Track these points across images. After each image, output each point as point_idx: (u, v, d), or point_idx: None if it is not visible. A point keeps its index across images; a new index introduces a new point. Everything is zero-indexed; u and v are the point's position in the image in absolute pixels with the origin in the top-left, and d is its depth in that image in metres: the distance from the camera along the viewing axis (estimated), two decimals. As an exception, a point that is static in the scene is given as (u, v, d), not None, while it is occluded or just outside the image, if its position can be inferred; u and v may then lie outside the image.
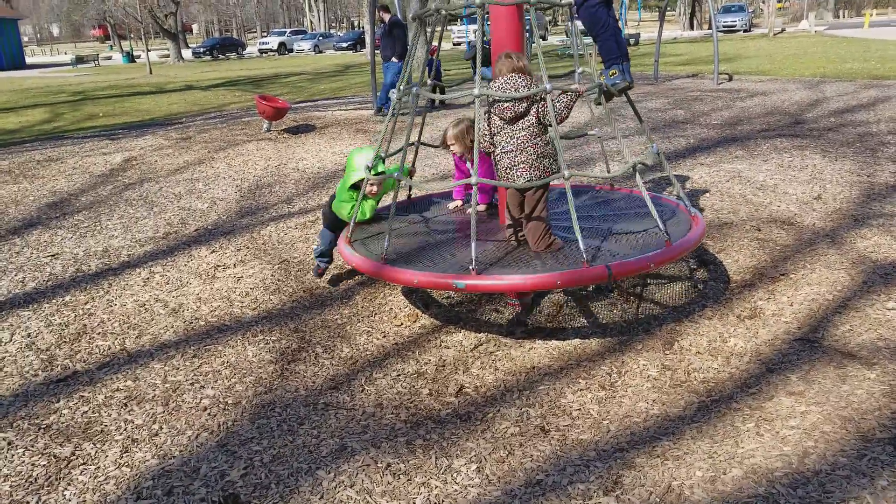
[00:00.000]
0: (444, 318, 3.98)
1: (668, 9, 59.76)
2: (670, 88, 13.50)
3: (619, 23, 21.33)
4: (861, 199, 5.40)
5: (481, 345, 3.66)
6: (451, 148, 4.15)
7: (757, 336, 3.53)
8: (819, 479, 2.40)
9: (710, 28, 37.71)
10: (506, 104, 3.43)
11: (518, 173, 3.45)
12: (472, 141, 3.56)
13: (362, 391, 3.18)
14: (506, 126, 3.48)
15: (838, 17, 48.25)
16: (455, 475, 2.50)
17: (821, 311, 3.66)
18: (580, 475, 2.50)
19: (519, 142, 3.45)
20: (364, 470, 2.52)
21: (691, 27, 47.37)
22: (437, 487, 2.43)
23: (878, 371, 3.03)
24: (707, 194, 5.82)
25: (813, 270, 4.14)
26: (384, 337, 3.71)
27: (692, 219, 3.91)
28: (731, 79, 14.88)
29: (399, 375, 3.29)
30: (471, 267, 3.24)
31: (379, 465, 2.55)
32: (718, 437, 2.70)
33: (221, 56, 43.54)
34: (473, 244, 3.28)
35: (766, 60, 18.61)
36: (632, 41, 28.45)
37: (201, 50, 44.24)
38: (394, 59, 10.93)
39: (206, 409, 3.10)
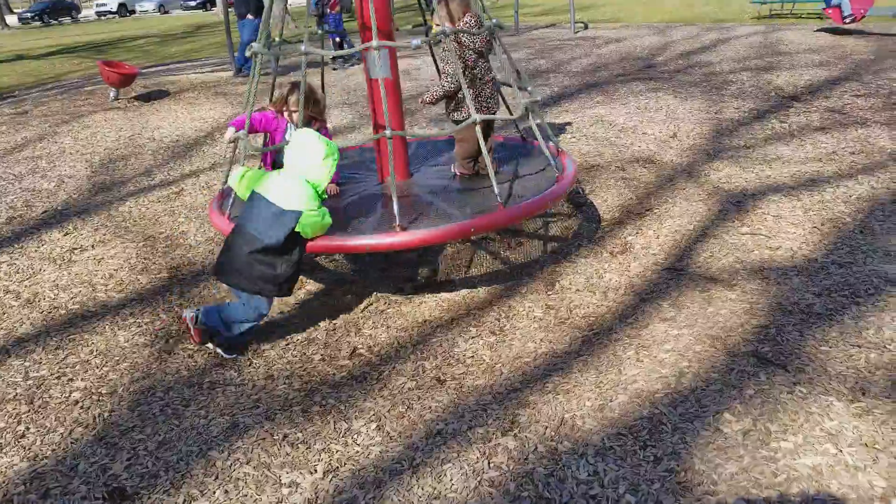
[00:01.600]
0: (332, 281, 3.89)
1: (525, -41, 60.65)
2: (531, 39, 13.77)
3: None
4: (711, 135, 5.82)
5: (371, 304, 3.61)
6: (292, 115, 3.75)
7: (629, 270, 3.74)
8: (696, 395, 2.60)
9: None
10: (480, 37, 3.75)
11: (495, 102, 3.90)
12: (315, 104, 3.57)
13: (250, 365, 3.05)
14: (480, 59, 3.81)
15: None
16: (356, 437, 2.47)
17: (684, 242, 3.93)
18: (478, 419, 2.56)
19: (492, 73, 3.88)
20: (260, 444, 2.43)
21: (547, -23, 48.49)
22: (337, 451, 2.39)
23: (738, 291, 3.32)
24: (574, 139, 6.04)
25: (674, 204, 4.43)
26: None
27: (561, 155, 4.05)
28: (587, 27, 15.42)
29: (288, 345, 3.18)
30: (395, 224, 3.18)
31: (275, 437, 2.46)
32: (603, 368, 2.85)
33: (53, 21, 39.13)
34: (395, 200, 3.20)
35: (618, 8, 19.43)
36: None
37: (28, 15, 39.48)
38: (249, 16, 10.33)
39: (77, 402, 2.84)
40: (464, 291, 3.71)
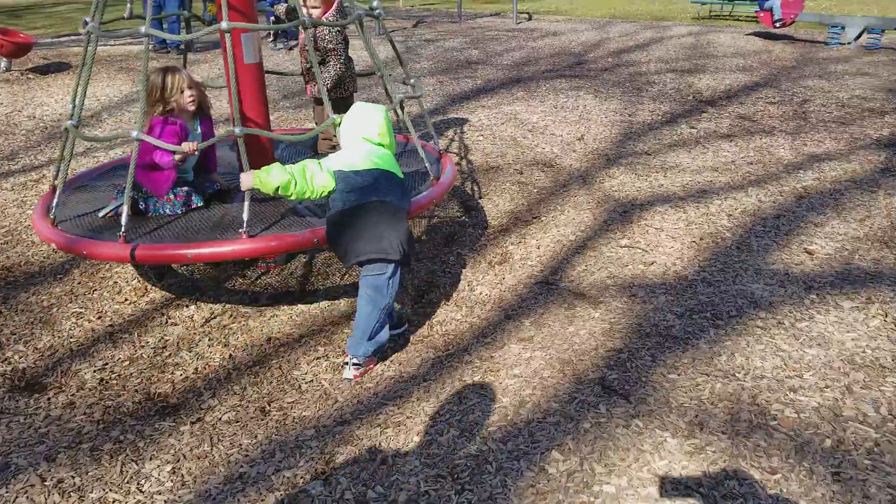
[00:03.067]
0: (180, 289, 3.59)
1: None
2: (471, 27, 13.53)
3: None
4: (618, 139, 5.69)
5: (215, 317, 3.34)
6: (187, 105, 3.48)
7: (503, 282, 3.56)
8: (530, 428, 2.42)
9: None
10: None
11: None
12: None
13: (51, 389, 2.74)
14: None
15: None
16: (143, 482, 2.20)
17: (563, 253, 3.77)
18: (290, 460, 2.32)
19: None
20: (25, 492, 2.14)
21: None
22: (115, 501, 2.12)
23: (603, 309, 3.16)
24: (480, 137, 5.84)
25: (563, 212, 4.27)
26: (98, 318, 3.25)
27: (443, 158, 3.85)
28: (530, 18, 15.25)
29: (106, 364, 2.89)
30: (241, 230, 2.88)
31: (47, 483, 2.17)
32: (444, 396, 2.65)
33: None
34: (247, 204, 2.89)
35: (564, 0, 19.35)
36: None
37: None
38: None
39: None
40: (324, 303, 3.47)
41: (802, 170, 4.76)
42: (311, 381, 2.84)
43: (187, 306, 3.40)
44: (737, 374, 2.61)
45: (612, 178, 4.75)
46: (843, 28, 9.90)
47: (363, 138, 2.91)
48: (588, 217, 4.17)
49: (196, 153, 3.19)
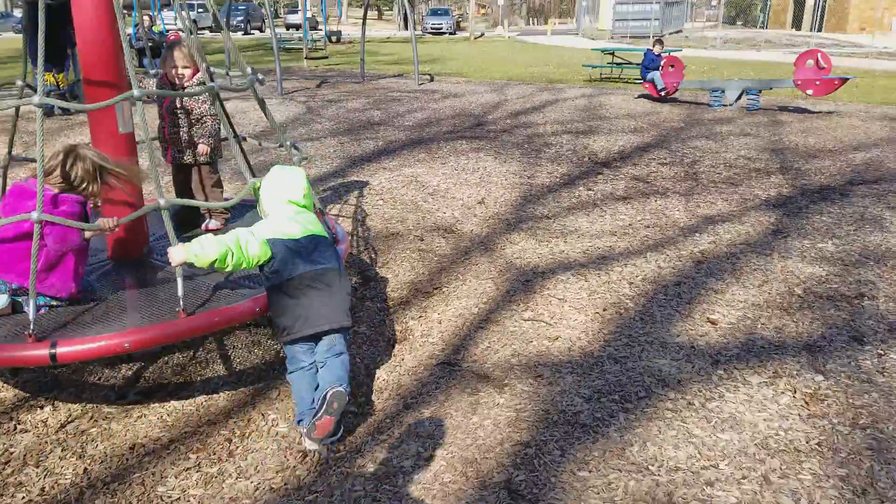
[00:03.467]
0: (36, 385, 3.06)
1: (386, 8, 61.88)
2: (374, 88, 13.54)
3: (322, 19, 20.68)
4: (518, 202, 5.63)
5: (72, 421, 2.84)
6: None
7: (402, 364, 3.26)
8: (429, 548, 2.11)
9: (419, 29, 39.72)
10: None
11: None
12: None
13: None
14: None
15: (530, 23, 54.63)
16: None
17: (465, 328, 3.54)
18: None
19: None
20: None
21: (405, 27, 49.45)
22: None
23: (508, 394, 2.93)
24: (381, 201, 5.61)
25: (464, 282, 4.06)
26: (-88, 435, 2.67)
27: (331, 222, 3.53)
28: (432, 79, 15.49)
29: (-89, 499, 2.33)
30: (178, 308, 2.63)
31: None
32: (331, 513, 2.29)
33: None
34: (180, 281, 2.65)
35: (465, 63, 19.90)
36: (333, 38, 28.26)
37: None
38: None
39: None
40: (200, 398, 3.04)
41: (698, 233, 4.83)
42: (178, 498, 2.40)
43: (42, 407, 2.88)
44: (650, 468, 2.41)
45: (514, 244, 4.61)
46: (723, 91, 10.59)
47: (289, 201, 2.81)
48: (490, 287, 3.98)
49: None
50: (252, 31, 36.48)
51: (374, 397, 3.01)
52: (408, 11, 14.87)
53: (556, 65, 18.88)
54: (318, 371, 2.65)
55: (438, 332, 3.53)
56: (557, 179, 6.37)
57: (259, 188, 2.89)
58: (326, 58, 19.85)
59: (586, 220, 5.12)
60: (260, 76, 3.40)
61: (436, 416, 2.81)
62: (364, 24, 15.84)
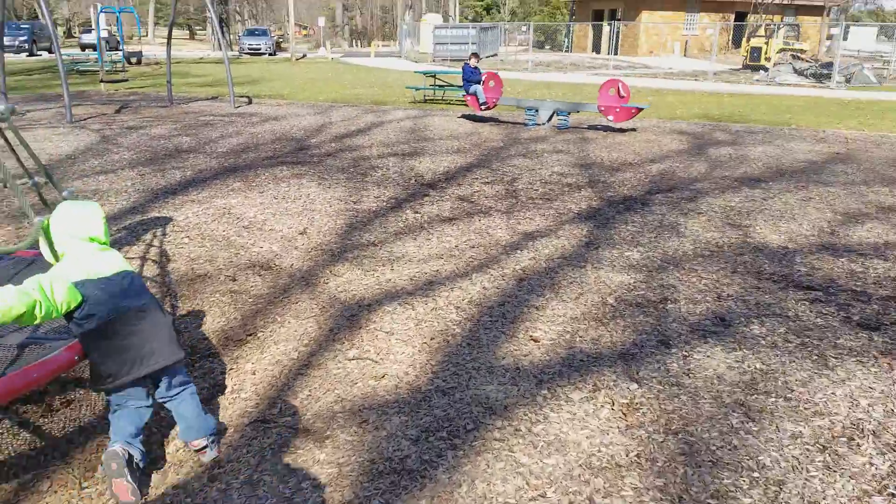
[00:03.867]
0: None
1: (199, 27, 58.86)
2: (184, 112, 12.63)
3: (119, 41, 19.13)
4: (344, 230, 5.40)
5: None
6: None
7: (220, 428, 2.89)
8: None
9: (236, 49, 38.21)
10: None
11: None
12: None
13: None
14: None
15: (353, 45, 54.81)
16: None
17: (283, 377, 3.23)
18: None
19: None
20: None
21: (220, 48, 47.26)
22: None
23: (329, 448, 2.67)
24: (186, 239, 5.10)
25: (283, 324, 3.75)
26: None
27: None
28: (250, 102, 14.82)
29: None
30: None
31: None
32: None
33: None
34: None
35: (286, 84, 19.34)
36: (133, 59, 26.28)
37: None
38: None
39: None
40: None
41: (519, 250, 4.92)
42: None
43: None
44: (481, 509, 2.30)
45: (338, 277, 4.38)
46: (537, 111, 11.19)
47: (90, 238, 2.54)
48: (312, 327, 3.70)
49: None
50: (39, 53, 32.79)
51: (171, 474, 2.61)
52: (217, 29, 14.09)
53: (381, 86, 18.97)
54: (175, 407, 2.60)
55: (252, 384, 3.19)
56: (384, 203, 6.24)
57: (48, 227, 2.54)
58: (125, 80, 18.19)
59: (413, 245, 5.03)
60: (15, 106, 2.88)
61: (245, 489, 2.48)
62: (169, 43, 14.77)
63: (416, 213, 5.94)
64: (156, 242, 5.04)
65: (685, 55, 37.47)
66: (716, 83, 21.24)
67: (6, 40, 16.37)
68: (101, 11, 20.91)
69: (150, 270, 4.52)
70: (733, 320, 3.77)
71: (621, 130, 10.82)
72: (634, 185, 7.05)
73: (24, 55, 31.54)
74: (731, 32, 36.72)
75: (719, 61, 29.19)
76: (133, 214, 5.78)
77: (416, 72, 17.31)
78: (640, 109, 10.64)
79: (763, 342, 3.50)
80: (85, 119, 11.38)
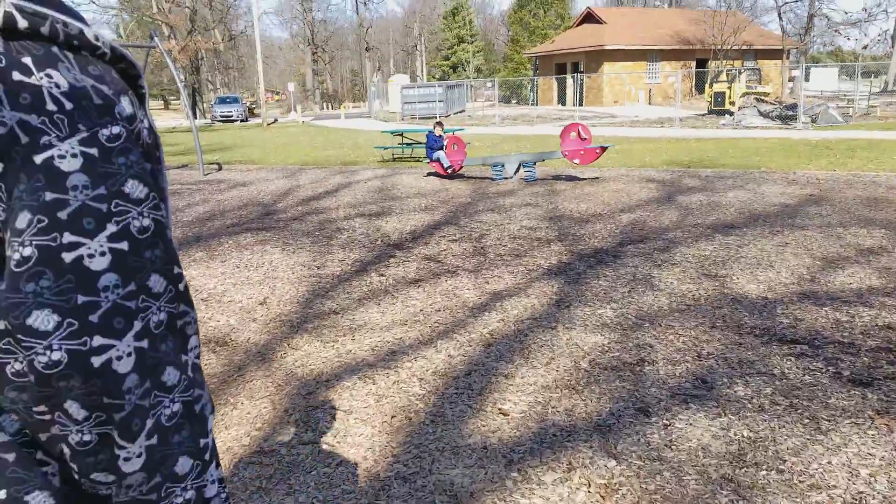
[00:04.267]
0: None
1: (173, 98, 59.48)
2: (152, 182, 12.46)
3: None
4: (306, 298, 5.18)
5: None
6: None
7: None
8: None
9: (209, 117, 38.53)
10: None
11: None
12: None
13: None
14: None
15: (324, 108, 55.67)
16: None
17: (233, 467, 2.95)
18: None
19: None
20: None
21: (194, 116, 47.62)
22: None
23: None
24: (139, 317, 4.84)
25: (235, 406, 3.48)
26: None
27: None
28: (220, 168, 14.73)
29: None
30: None
31: None
32: None
33: None
34: None
35: (258, 149, 19.35)
36: None
37: None
38: None
39: None
40: None
41: (487, 311, 4.73)
42: None
43: None
44: None
45: (296, 350, 4.13)
46: (503, 165, 11.19)
47: None
48: (266, 408, 3.44)
49: None
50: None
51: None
52: (184, 97, 14.09)
53: (351, 147, 19.06)
54: None
55: (198, 477, 2.91)
56: (349, 267, 6.04)
57: None
58: None
59: (377, 311, 4.81)
60: None
61: None
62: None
63: (381, 275, 5.75)
64: None
65: (650, 103, 38.53)
66: (682, 129, 21.71)
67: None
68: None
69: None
70: (716, 381, 3.58)
71: (589, 181, 10.84)
72: (605, 236, 6.96)
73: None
74: (694, 79, 37.94)
75: (684, 107, 29.99)
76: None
77: (383, 131, 17.42)
78: (604, 149, 10.69)
79: (749, 405, 3.30)
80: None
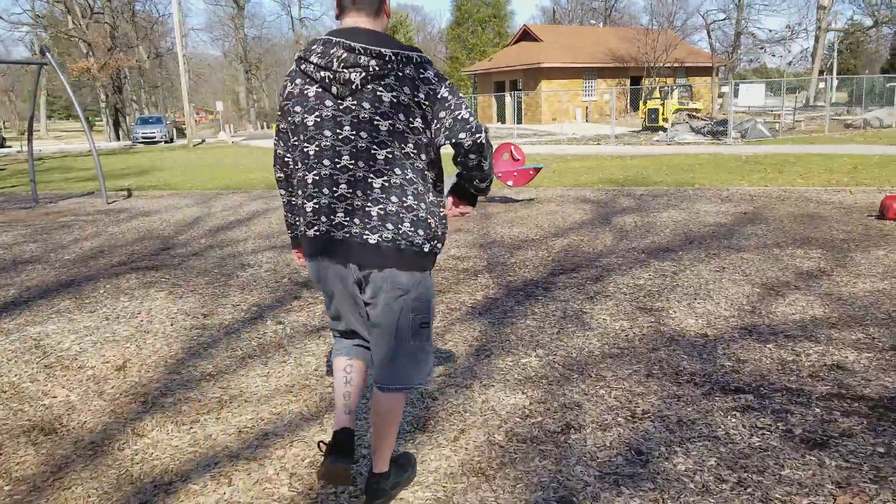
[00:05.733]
0: None
1: (97, 119, 56.83)
2: (46, 213, 11.26)
3: None
4: (177, 359, 4.31)
5: None
6: None
7: None
8: None
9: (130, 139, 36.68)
10: None
11: None
12: None
13: None
14: None
15: (260, 127, 54.11)
16: None
17: None
18: None
19: None
20: None
21: (117, 138, 45.43)
22: None
23: None
24: (-45, 395, 3.89)
25: (37, 529, 2.62)
26: None
27: None
28: (129, 195, 13.58)
29: None
30: None
31: None
32: None
33: None
34: None
35: (178, 173, 18.17)
36: None
37: None
38: None
39: None
40: None
41: (393, 368, 3.98)
42: None
43: None
44: None
45: (141, 437, 3.27)
46: (433, 188, 10.51)
47: None
48: (78, 530, 2.59)
49: None
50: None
51: None
52: (81, 118, 12.93)
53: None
54: None
55: None
56: (243, 314, 5.20)
57: None
58: None
59: (261, 374, 4.00)
60: None
61: None
62: (30, 137, 13.45)
63: (279, 323, 4.94)
64: (-89, 402, 3.79)
65: (587, 120, 38.88)
66: (617, 146, 21.63)
67: None
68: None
69: None
70: (652, 452, 2.93)
71: (524, 203, 10.29)
72: (536, 265, 6.34)
73: None
74: (629, 96, 38.51)
75: (619, 124, 30.21)
76: None
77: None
78: (538, 170, 10.17)
79: (691, 485, 2.66)
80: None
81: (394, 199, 2.18)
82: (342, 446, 2.42)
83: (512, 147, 10.15)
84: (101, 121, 51.33)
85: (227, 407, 3.55)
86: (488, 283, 5.82)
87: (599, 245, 7.07)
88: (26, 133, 13.50)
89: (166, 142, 36.19)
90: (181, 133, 40.04)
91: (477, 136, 2.22)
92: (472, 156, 2.26)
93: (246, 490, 2.77)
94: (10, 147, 34.54)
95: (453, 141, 2.22)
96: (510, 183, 10.09)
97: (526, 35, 44.73)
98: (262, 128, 53.73)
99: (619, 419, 3.25)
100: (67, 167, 21.82)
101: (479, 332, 4.55)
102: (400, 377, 2.42)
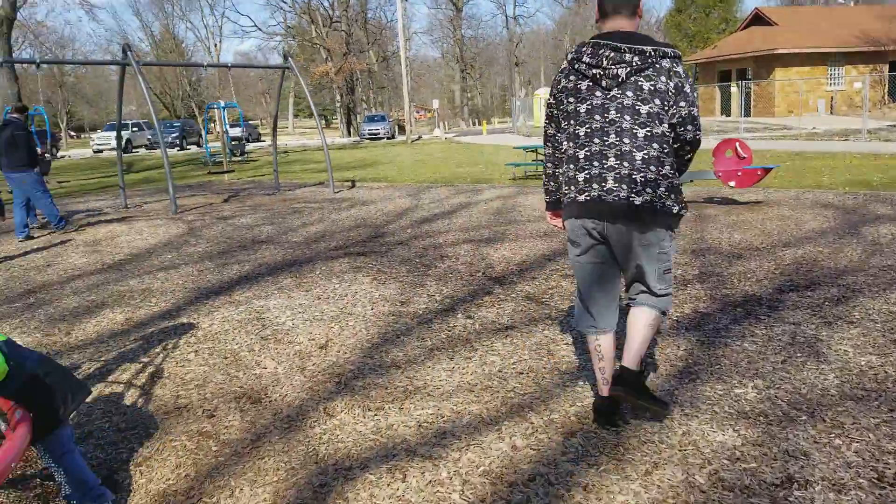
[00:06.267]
0: None
1: (335, 118, 62.97)
2: (283, 199, 12.61)
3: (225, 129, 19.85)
4: (372, 343, 4.45)
5: None
6: None
7: None
8: None
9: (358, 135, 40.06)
10: None
11: None
12: None
13: None
14: None
15: (471, 124, 55.83)
16: None
17: None
18: None
19: None
20: None
21: (348, 134, 49.87)
22: None
23: None
24: (192, 355, 4.36)
25: (233, 492, 2.78)
26: None
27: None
28: (353, 186, 14.71)
29: None
30: None
31: None
32: None
33: None
34: None
35: (395, 166, 19.33)
36: (237, 153, 25.08)
37: None
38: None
39: None
40: None
41: (583, 379, 3.68)
42: None
43: None
44: None
45: (331, 418, 3.38)
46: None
47: None
48: (266, 499, 2.72)
49: None
50: (188, 147, 36.49)
51: None
52: (315, 116, 14.23)
53: (487, 164, 18.42)
54: None
55: None
56: (436, 305, 5.25)
57: None
58: (231, 171, 18.53)
59: (446, 368, 3.95)
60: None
61: None
62: (275, 132, 15.17)
63: (469, 317, 4.89)
64: (157, 360, 4.36)
65: (832, 113, 34.17)
66: (871, 142, 18.60)
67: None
68: (208, 108, 22.53)
69: (132, 397, 3.79)
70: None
71: (748, 205, 9.19)
72: (760, 278, 5.55)
73: (175, 150, 34.97)
74: (887, 85, 33.04)
75: (874, 118, 26.08)
76: (162, 320, 5.22)
77: (515, 147, 16.55)
78: (767, 171, 8.98)
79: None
80: (190, 209, 11.60)
81: (653, 168, 2.68)
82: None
83: (737, 143, 9.11)
84: (337, 119, 56.86)
85: (411, 398, 3.55)
86: (699, 294, 5.21)
87: (843, 260, 6.01)
88: (272, 129, 15.28)
89: (388, 138, 39.05)
90: (402, 130, 42.87)
91: (699, 133, 2.76)
92: (687, 148, 2.79)
93: (418, 490, 2.69)
94: (263, 141, 39.79)
95: (679, 130, 2.72)
96: (732, 184, 9.08)
97: (758, 19, 40.41)
98: (474, 124, 55.50)
99: (861, 481, 2.63)
100: (306, 160, 24.38)
101: (685, 352, 4.06)
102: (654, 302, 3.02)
